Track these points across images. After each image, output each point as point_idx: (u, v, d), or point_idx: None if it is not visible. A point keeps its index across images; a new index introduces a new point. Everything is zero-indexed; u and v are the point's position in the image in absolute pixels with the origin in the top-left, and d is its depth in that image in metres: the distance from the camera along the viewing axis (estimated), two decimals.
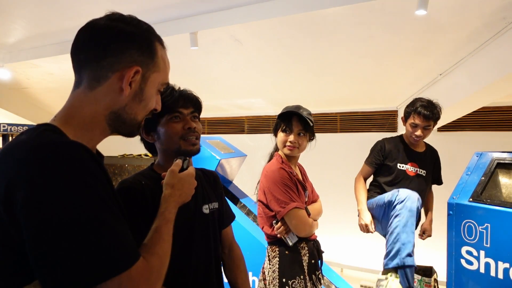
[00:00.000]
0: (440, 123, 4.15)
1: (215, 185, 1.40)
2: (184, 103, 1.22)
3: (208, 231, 1.28)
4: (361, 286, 3.77)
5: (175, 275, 1.15)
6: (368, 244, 4.38)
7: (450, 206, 1.71)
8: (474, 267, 1.50)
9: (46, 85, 5.44)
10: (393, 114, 4.56)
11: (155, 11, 3.14)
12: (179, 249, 1.17)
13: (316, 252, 1.82)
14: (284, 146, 1.78)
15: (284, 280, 1.69)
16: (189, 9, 3.08)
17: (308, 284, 1.73)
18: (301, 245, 1.76)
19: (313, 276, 1.77)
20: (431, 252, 3.29)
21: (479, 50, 3.05)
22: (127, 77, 0.78)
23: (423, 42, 3.16)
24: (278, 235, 1.73)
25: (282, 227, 1.72)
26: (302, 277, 1.71)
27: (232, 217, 1.47)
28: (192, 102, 1.24)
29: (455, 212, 1.66)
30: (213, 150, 2.82)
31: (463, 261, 1.54)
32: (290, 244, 1.73)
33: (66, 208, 0.63)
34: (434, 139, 4.46)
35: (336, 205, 4.66)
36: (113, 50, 0.77)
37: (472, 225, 1.53)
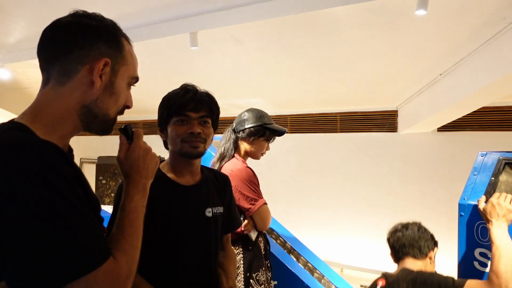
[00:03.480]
0: (440, 123, 4.16)
1: (224, 190, 1.38)
2: (194, 106, 1.21)
3: (210, 234, 1.26)
4: (361, 286, 3.77)
5: (168, 275, 1.15)
6: (368, 244, 4.38)
7: (462, 207, 1.62)
8: (488, 269, 1.44)
9: None
10: (393, 114, 4.55)
11: (155, 11, 3.13)
12: (175, 249, 1.17)
13: (265, 242, 1.92)
14: (262, 153, 1.95)
15: (248, 274, 1.75)
16: (189, 9, 3.07)
17: (269, 273, 1.85)
18: (259, 239, 1.85)
19: (268, 264, 1.90)
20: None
21: (479, 50, 3.05)
22: (97, 69, 0.78)
23: (423, 42, 3.16)
24: (245, 232, 1.77)
25: (249, 223, 1.78)
26: (263, 268, 1.81)
27: (238, 224, 1.46)
28: (205, 106, 1.24)
29: (468, 213, 1.59)
30: (213, 150, 2.82)
31: (476, 263, 1.50)
32: (254, 239, 1.80)
33: (29, 207, 0.62)
34: (434, 139, 4.50)
35: (336, 205, 4.67)
36: (81, 43, 0.78)
37: (485, 226, 1.48)
